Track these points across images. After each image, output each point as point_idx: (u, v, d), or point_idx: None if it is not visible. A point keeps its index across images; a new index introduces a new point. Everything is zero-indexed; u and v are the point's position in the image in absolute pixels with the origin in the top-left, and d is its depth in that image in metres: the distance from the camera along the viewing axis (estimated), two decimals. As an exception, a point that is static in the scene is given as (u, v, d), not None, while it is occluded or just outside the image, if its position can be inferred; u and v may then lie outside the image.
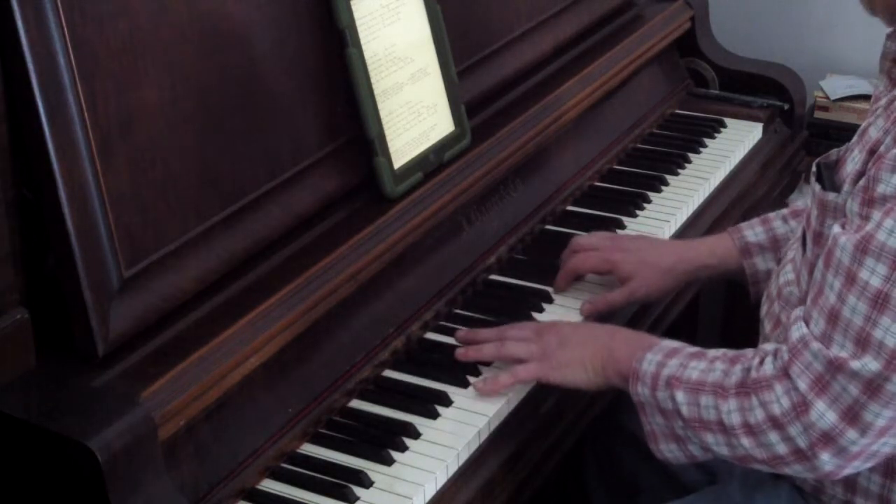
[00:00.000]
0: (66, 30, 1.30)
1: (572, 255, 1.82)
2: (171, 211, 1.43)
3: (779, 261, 1.77)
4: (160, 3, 1.42)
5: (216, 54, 1.50)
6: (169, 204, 1.43)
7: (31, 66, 1.27)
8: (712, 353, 1.50)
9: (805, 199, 1.83)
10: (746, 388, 1.41)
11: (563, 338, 1.60)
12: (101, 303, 1.33)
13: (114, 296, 1.35)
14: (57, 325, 1.34)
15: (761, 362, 1.42)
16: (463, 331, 1.69)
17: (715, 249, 1.83)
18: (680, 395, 1.46)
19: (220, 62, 1.50)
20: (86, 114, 1.32)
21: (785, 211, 1.82)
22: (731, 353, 1.48)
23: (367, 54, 1.68)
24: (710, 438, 1.44)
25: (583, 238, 1.86)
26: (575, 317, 1.77)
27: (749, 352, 1.47)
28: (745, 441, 1.41)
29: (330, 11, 1.65)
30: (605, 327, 1.65)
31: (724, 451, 1.45)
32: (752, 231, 1.81)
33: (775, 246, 1.79)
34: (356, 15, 1.67)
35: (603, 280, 1.84)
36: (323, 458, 1.49)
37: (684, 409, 1.45)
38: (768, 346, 1.45)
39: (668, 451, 1.51)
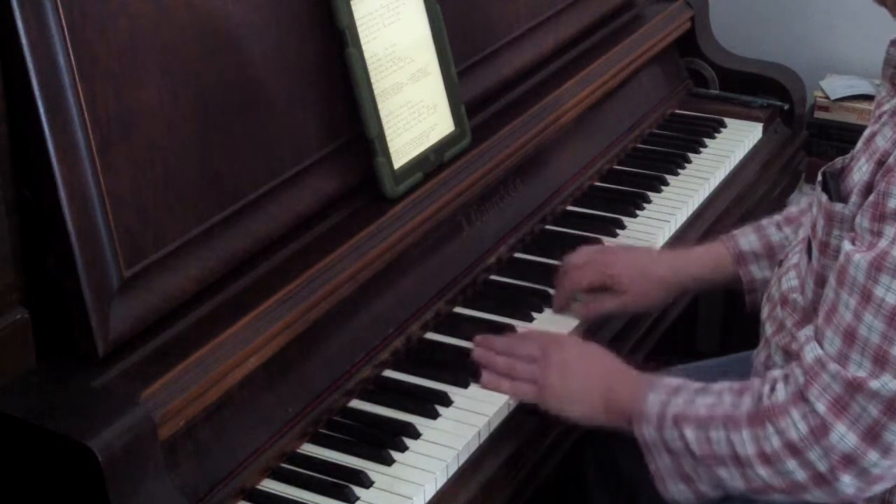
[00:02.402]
0: (66, 30, 1.30)
1: (566, 275, 1.80)
2: (171, 211, 1.43)
3: (775, 268, 1.76)
4: (160, 3, 1.42)
5: (216, 54, 1.50)
6: (169, 204, 1.43)
7: (31, 66, 1.27)
8: (717, 386, 1.47)
9: (799, 204, 1.82)
10: (759, 416, 1.39)
11: (566, 365, 1.58)
12: (101, 303, 1.33)
13: (114, 296, 1.35)
14: (57, 325, 1.34)
15: (772, 389, 1.40)
16: (482, 336, 1.67)
17: (709, 258, 1.81)
18: (689, 432, 1.44)
19: (220, 62, 1.50)
20: (86, 114, 1.32)
21: (778, 217, 1.81)
22: (737, 384, 1.46)
23: (367, 54, 1.68)
24: (723, 473, 1.42)
25: (573, 256, 1.83)
26: (573, 319, 1.77)
27: (756, 380, 1.45)
28: (762, 471, 1.39)
29: (330, 11, 1.65)
30: (611, 361, 1.60)
31: (738, 483, 1.42)
32: (746, 239, 1.79)
33: (770, 253, 1.77)
34: (356, 15, 1.67)
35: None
36: (323, 458, 1.49)
37: (695, 446, 1.43)
38: (776, 372, 1.43)
39: (676, 491, 1.49)
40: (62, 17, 1.30)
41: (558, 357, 1.59)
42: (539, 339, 1.66)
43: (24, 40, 1.26)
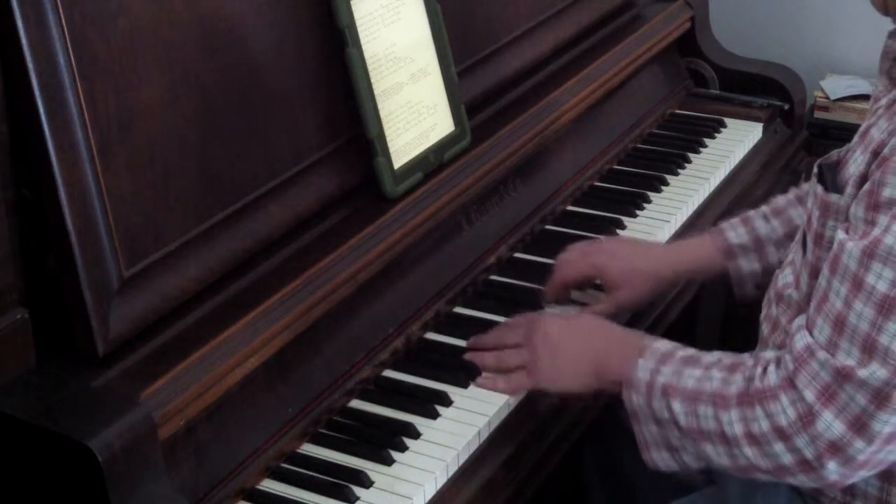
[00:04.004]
0: (66, 30, 1.30)
1: (557, 268, 1.81)
2: (171, 211, 1.43)
3: (763, 261, 1.77)
4: (160, 3, 1.42)
5: (216, 54, 1.50)
6: (169, 204, 1.43)
7: (31, 66, 1.27)
8: (707, 358, 1.48)
9: (787, 195, 1.83)
10: (749, 397, 1.39)
11: (554, 343, 1.59)
12: (101, 303, 1.33)
13: (114, 296, 1.35)
14: (57, 325, 1.34)
15: (764, 371, 1.40)
16: (473, 338, 1.69)
17: (699, 252, 1.82)
18: (677, 405, 1.44)
19: (220, 62, 1.50)
20: (86, 114, 1.32)
21: (765, 209, 1.81)
22: (727, 359, 1.47)
23: (367, 54, 1.68)
24: (709, 449, 1.43)
25: (565, 253, 1.83)
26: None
27: (748, 359, 1.45)
28: (749, 451, 1.40)
29: (330, 11, 1.65)
30: (599, 326, 1.63)
31: (724, 461, 1.43)
32: (735, 232, 1.80)
33: (758, 246, 1.78)
34: (356, 15, 1.67)
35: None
36: (323, 458, 1.49)
37: (682, 419, 1.44)
38: (769, 354, 1.44)
39: (660, 459, 1.50)
40: (62, 17, 1.30)
41: (543, 337, 1.60)
42: (523, 322, 1.67)
43: (24, 40, 1.26)
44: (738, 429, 1.40)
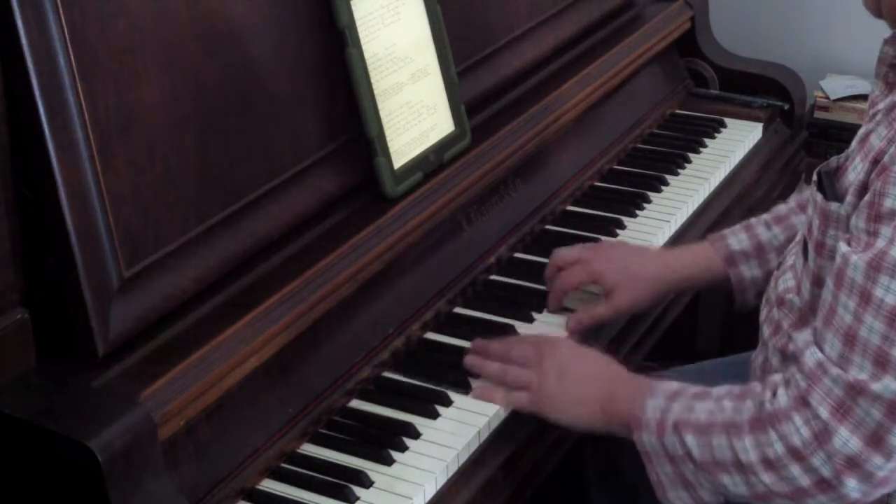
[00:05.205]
0: (66, 30, 1.30)
1: (556, 273, 1.80)
2: (171, 211, 1.43)
3: (765, 267, 1.76)
4: (160, 3, 1.42)
5: (216, 54, 1.50)
6: (169, 204, 1.43)
7: (31, 66, 1.27)
8: (717, 391, 1.46)
9: (788, 203, 1.83)
10: (761, 422, 1.38)
11: (563, 369, 1.57)
12: (101, 303, 1.33)
13: (114, 296, 1.35)
14: (57, 325, 1.34)
15: (774, 394, 1.39)
16: (478, 341, 1.67)
17: (699, 259, 1.80)
18: (690, 439, 1.43)
19: (220, 62, 1.50)
20: (86, 114, 1.32)
21: (767, 216, 1.80)
22: (737, 388, 1.45)
23: (367, 54, 1.68)
24: (726, 479, 1.41)
25: (564, 251, 1.82)
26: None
27: (756, 385, 1.44)
28: (766, 477, 1.38)
29: (330, 11, 1.65)
30: (608, 366, 1.59)
31: (741, 490, 1.42)
32: (736, 238, 1.79)
33: (760, 252, 1.77)
34: (356, 15, 1.67)
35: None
36: (323, 458, 1.49)
37: (696, 453, 1.42)
38: (777, 377, 1.42)
39: (676, 498, 1.48)
40: (62, 17, 1.30)
41: (554, 361, 1.58)
42: (534, 342, 1.65)
43: (24, 40, 1.26)
44: (752, 455, 1.38)
